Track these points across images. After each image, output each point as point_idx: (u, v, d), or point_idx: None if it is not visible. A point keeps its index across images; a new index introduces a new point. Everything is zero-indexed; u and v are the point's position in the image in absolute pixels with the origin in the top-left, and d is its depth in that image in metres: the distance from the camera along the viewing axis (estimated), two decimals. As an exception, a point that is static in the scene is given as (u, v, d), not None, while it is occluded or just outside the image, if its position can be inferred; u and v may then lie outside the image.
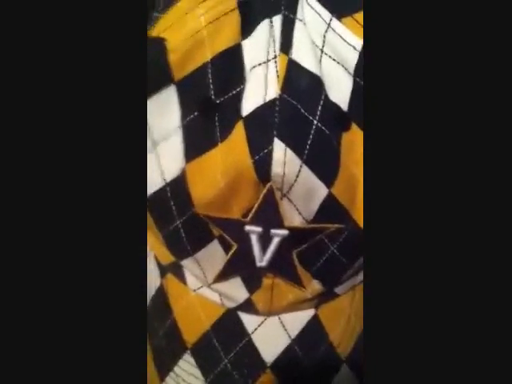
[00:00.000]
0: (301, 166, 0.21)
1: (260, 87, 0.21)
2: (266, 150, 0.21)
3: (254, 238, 0.24)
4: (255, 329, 0.27)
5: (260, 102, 0.21)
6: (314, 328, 0.28)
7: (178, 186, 0.23)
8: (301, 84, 0.21)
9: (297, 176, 0.21)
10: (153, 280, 0.30)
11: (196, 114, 0.22)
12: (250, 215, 0.23)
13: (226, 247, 0.25)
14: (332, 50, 0.23)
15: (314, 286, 0.26)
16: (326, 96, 0.22)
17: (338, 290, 0.28)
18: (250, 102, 0.22)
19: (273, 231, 0.23)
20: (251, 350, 0.27)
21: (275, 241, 0.24)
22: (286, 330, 0.28)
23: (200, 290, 0.28)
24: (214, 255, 0.25)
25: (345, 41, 0.23)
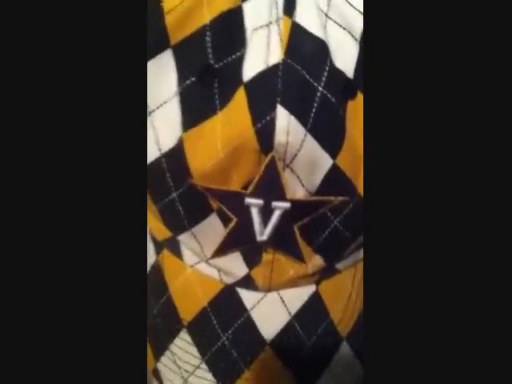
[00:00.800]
0: (305, 135, 0.20)
1: (262, 51, 0.20)
2: (268, 118, 0.20)
3: (254, 211, 0.23)
4: (254, 305, 0.27)
5: (262, 67, 0.20)
6: (314, 304, 0.27)
7: (175, 157, 0.22)
8: (305, 48, 0.20)
9: (300, 145, 0.21)
10: (147, 257, 0.29)
11: (193, 79, 0.21)
12: (251, 187, 0.22)
13: (225, 221, 0.24)
14: (337, 15, 0.21)
15: (316, 262, 0.26)
16: (332, 62, 0.21)
17: (339, 265, 0.27)
18: (252, 67, 0.20)
19: (274, 204, 0.22)
20: (250, 327, 0.27)
21: (276, 214, 0.23)
22: (285, 306, 0.27)
23: (197, 266, 0.27)
24: (212, 229, 0.24)
25: (351, 5, 0.22)
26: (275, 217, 0.23)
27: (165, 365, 0.27)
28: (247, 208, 0.23)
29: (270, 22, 0.21)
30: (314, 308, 0.27)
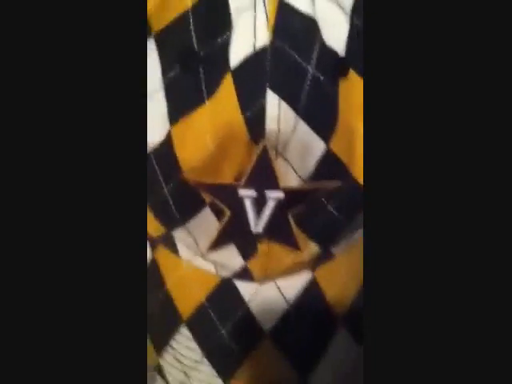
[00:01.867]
0: (296, 121, 0.20)
1: (249, 34, 0.19)
2: (258, 105, 0.19)
3: (248, 203, 0.22)
4: (252, 296, 0.26)
5: (250, 51, 0.19)
6: (311, 290, 0.27)
7: (164, 151, 0.21)
8: (293, 28, 0.19)
9: (292, 132, 0.20)
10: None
11: (178, 69, 0.20)
12: (244, 179, 0.21)
13: (219, 214, 0.23)
14: None
15: (311, 248, 0.25)
16: (322, 40, 0.20)
17: (334, 250, 0.27)
18: (239, 51, 0.19)
19: (268, 194, 0.22)
20: (248, 319, 0.26)
21: (270, 204, 0.22)
22: (282, 294, 0.27)
23: (193, 261, 0.26)
24: (206, 223, 0.23)
25: None
26: (269, 207, 0.22)
27: (167, 361, 0.27)
28: (240, 200, 0.22)
29: (256, 2, 0.20)
30: (310, 294, 0.27)
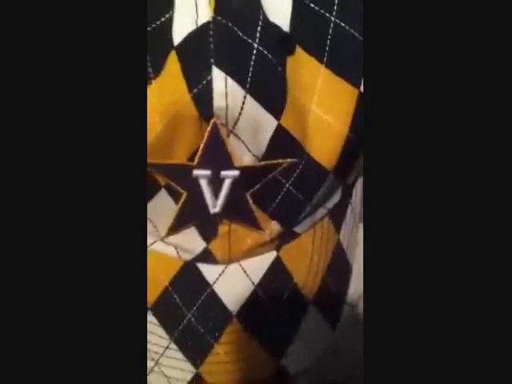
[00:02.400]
0: (245, 97, 0.20)
1: (190, 11, 0.19)
2: (204, 82, 0.19)
3: (203, 183, 0.22)
4: (216, 278, 0.26)
5: (192, 28, 0.19)
6: (276, 270, 0.27)
7: None
8: (235, 4, 0.19)
9: (241, 108, 0.20)
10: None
11: None
12: (197, 158, 0.21)
13: (176, 196, 0.23)
14: None
15: (273, 227, 0.25)
16: (265, 15, 0.20)
17: (297, 229, 0.27)
18: (181, 28, 0.19)
19: (223, 173, 0.22)
20: (214, 301, 0.26)
21: (226, 183, 0.22)
22: (247, 275, 0.27)
23: (154, 246, 0.26)
24: (163, 206, 0.23)
25: None
26: (226, 186, 0.22)
27: None
28: (196, 180, 0.22)
29: None
30: (276, 274, 0.27)
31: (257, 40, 0.19)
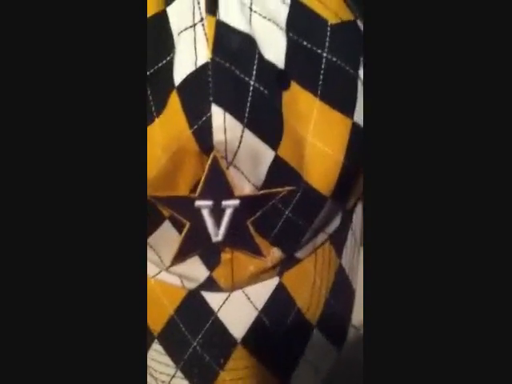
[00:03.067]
0: (243, 131, 0.21)
1: (190, 53, 0.20)
2: (204, 118, 0.20)
3: (205, 213, 0.23)
4: (220, 306, 0.27)
5: (191, 69, 0.20)
6: (280, 296, 0.28)
7: None
8: (232, 45, 0.21)
9: (240, 142, 0.21)
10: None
11: None
12: (199, 189, 0.22)
13: (179, 227, 0.24)
14: (261, 7, 0.22)
15: (274, 254, 0.26)
16: (260, 55, 0.21)
17: (299, 254, 0.28)
18: (181, 69, 0.20)
19: (224, 203, 0.22)
20: (219, 329, 0.27)
21: (228, 212, 0.23)
22: (251, 302, 0.27)
23: (159, 276, 0.27)
24: (167, 237, 0.24)
25: None
26: (227, 216, 0.23)
27: None
28: (198, 211, 0.23)
29: (195, 23, 0.21)
30: (280, 300, 0.28)
31: (253, 77, 0.21)
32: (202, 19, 0.21)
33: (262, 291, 0.27)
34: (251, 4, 0.22)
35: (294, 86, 0.22)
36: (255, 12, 0.22)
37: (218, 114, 0.20)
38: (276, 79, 0.22)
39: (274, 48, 0.22)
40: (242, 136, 0.21)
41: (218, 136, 0.20)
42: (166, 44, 0.21)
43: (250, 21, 0.21)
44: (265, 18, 0.22)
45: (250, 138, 0.21)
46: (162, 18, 0.21)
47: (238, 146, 0.21)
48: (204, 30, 0.20)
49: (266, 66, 0.21)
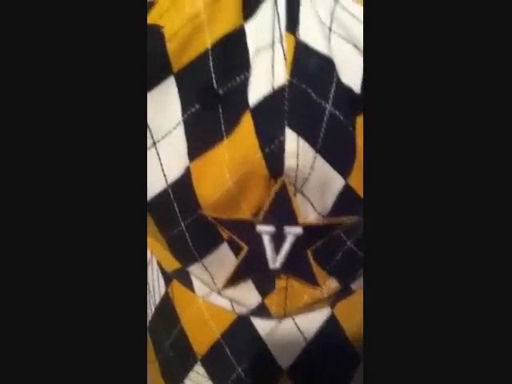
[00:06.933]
0: (315, 157, 0.20)
1: (267, 73, 0.19)
2: (276, 142, 0.19)
3: (266, 239, 0.22)
4: (269, 334, 0.26)
5: (268, 90, 0.19)
6: (330, 327, 0.26)
7: (182, 187, 0.21)
8: (311, 67, 0.20)
9: (311, 168, 0.20)
10: (156, 289, 0.28)
11: (197, 106, 0.20)
12: (262, 214, 0.21)
13: (236, 250, 0.23)
14: (341, 28, 0.21)
15: (331, 285, 0.25)
16: (338, 78, 0.20)
17: (353, 285, 0.26)
18: (257, 90, 0.20)
19: (286, 229, 0.21)
20: (266, 357, 0.26)
21: (289, 240, 0.22)
22: (301, 332, 0.26)
23: (208, 297, 0.26)
24: (223, 259, 0.23)
25: (353, 16, 0.21)
26: (288, 243, 0.22)
27: None
28: (258, 236, 0.22)
29: (274, 42, 0.20)
30: (330, 331, 0.26)
31: (330, 102, 0.20)
32: (281, 37, 0.20)
33: (313, 321, 0.26)
34: (331, 24, 0.21)
35: None
36: (334, 32, 0.21)
37: (291, 139, 0.19)
38: (351, 104, 0.21)
39: (351, 70, 0.20)
40: (313, 163, 0.20)
41: (289, 161, 0.19)
42: (241, 62, 0.20)
43: (329, 41, 0.20)
44: (344, 39, 0.21)
45: (322, 166, 0.20)
46: (239, 35, 0.20)
47: (309, 173, 0.20)
48: (283, 50, 0.20)
49: (343, 89, 0.20)
